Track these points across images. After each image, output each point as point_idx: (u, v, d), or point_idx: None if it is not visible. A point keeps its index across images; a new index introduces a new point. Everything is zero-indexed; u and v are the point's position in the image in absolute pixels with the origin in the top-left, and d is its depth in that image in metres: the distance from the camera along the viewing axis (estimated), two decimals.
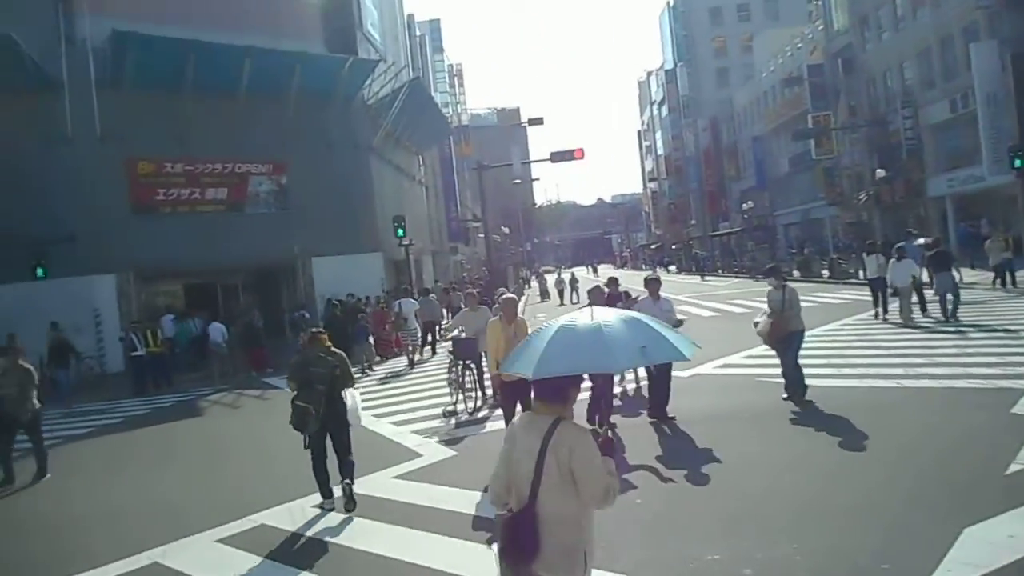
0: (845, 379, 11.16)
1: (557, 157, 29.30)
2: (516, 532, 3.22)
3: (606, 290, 11.76)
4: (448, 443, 9.83)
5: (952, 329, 15.07)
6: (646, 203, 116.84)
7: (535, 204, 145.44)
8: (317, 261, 29.01)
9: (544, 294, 44.18)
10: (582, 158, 29.17)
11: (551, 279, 44.91)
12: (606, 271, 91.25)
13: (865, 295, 23.83)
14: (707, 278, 47.24)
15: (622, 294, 12.20)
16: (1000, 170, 29.67)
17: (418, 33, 56.88)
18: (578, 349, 3.20)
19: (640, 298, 10.22)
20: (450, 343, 12.86)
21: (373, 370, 19.40)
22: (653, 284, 10.35)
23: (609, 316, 3.34)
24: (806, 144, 46.09)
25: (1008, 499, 5.65)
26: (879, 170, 33.88)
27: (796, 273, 37.69)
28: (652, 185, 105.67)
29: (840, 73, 43.65)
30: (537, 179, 65.61)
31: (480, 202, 32.31)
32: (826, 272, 34.21)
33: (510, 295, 9.79)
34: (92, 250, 22.70)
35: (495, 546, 3.38)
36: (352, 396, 8.16)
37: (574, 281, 40.35)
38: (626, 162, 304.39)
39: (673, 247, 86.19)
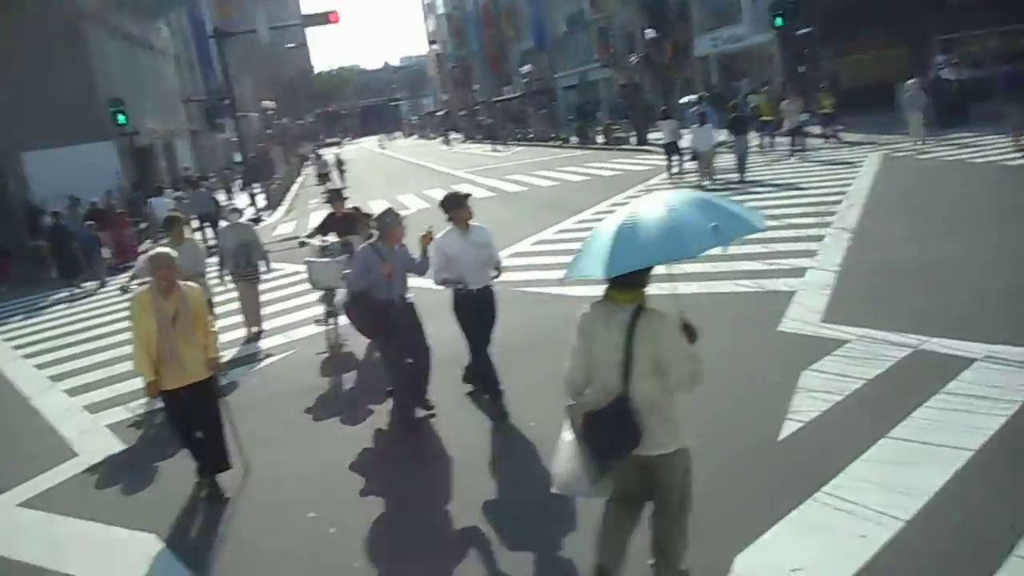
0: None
1: (308, 21, 25.63)
2: (615, 423, 3.26)
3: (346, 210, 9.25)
4: (121, 429, 7.45)
5: (749, 189, 15.63)
6: (432, 67, 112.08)
7: (313, 71, 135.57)
8: (30, 156, 24.17)
9: (322, 177, 37.61)
10: (337, 22, 25.64)
11: (332, 158, 38.89)
12: (397, 143, 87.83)
13: (640, 165, 23.46)
14: (498, 149, 45.29)
15: (355, 211, 9.36)
16: (759, 29, 30.02)
17: None
18: (648, 239, 3.06)
19: (437, 232, 6.13)
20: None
21: (107, 283, 16.68)
22: (458, 208, 6.12)
23: (672, 199, 3.21)
24: (581, 2, 44.68)
25: (786, 494, 4.33)
26: (648, 30, 33.25)
27: (574, 139, 37.23)
28: (436, 47, 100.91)
29: None
30: (301, 44, 58.64)
31: (226, 74, 27.54)
32: (601, 139, 33.81)
33: (160, 250, 5.52)
34: None
35: (568, 435, 3.44)
36: None
37: (340, 163, 36.17)
38: (412, 22, 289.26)
39: (460, 112, 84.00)
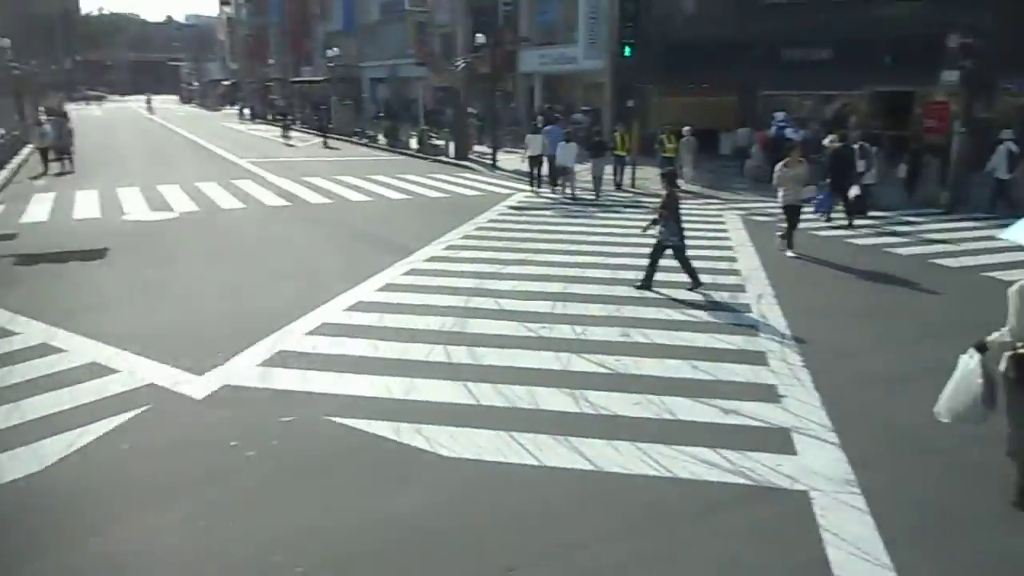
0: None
1: None
2: None
3: None
4: None
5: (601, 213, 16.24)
6: (222, 30, 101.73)
7: (79, 11, 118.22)
8: None
9: (43, 153, 23.97)
10: None
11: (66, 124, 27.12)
12: (165, 106, 77.50)
13: (466, 186, 20.37)
14: (292, 137, 38.55)
15: None
16: (594, 54, 28.43)
17: None
18: None
19: None
20: None
21: None
22: None
23: None
24: None
25: None
26: (478, 35, 30.48)
27: (382, 139, 33.54)
28: (228, 9, 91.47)
29: None
30: None
31: None
32: (414, 144, 30.49)
33: None
34: None
35: (976, 378, 4.73)
36: None
37: (67, 130, 25.68)
38: None
39: (249, 83, 76.71)
